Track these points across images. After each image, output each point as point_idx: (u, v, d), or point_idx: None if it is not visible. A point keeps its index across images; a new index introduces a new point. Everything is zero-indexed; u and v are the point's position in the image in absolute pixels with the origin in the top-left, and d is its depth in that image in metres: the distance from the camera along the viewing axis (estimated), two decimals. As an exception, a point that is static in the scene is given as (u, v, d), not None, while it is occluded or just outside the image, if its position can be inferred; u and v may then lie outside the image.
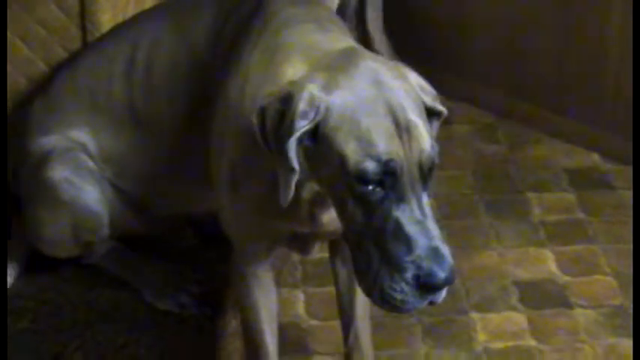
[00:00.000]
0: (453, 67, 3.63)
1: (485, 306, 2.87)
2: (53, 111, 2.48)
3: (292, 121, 1.82)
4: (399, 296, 1.83)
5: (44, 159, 2.45)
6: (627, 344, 2.70)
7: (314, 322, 2.84)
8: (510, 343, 2.76)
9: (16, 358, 2.53)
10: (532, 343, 2.77)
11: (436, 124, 1.96)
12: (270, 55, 2.04)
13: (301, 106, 1.81)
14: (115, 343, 2.54)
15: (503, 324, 2.82)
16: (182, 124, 2.36)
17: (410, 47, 3.64)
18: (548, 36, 3.48)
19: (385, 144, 1.80)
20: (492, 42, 3.59)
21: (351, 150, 1.80)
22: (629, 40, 3.25)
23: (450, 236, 3.04)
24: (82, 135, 2.48)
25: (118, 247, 2.59)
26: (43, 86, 2.56)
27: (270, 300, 2.30)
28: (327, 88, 1.84)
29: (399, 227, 1.82)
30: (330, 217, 2.05)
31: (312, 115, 1.82)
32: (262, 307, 2.28)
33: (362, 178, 1.80)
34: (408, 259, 1.81)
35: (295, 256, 2.88)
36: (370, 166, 1.79)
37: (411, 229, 1.81)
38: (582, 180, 3.35)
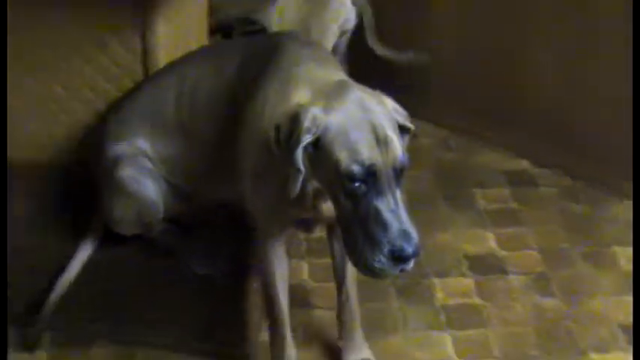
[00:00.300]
0: (419, 94, 3.60)
1: (443, 273, 2.92)
2: (123, 126, 2.51)
3: (299, 135, 1.91)
4: (378, 266, 1.92)
5: (116, 161, 2.48)
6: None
7: (315, 284, 2.85)
8: (461, 301, 2.81)
9: (88, 314, 2.65)
10: (478, 301, 2.82)
11: (406, 137, 2.03)
12: (284, 85, 2.11)
13: (306, 124, 1.90)
14: (166, 296, 2.63)
15: (456, 286, 2.87)
16: (217, 136, 2.39)
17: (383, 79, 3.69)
18: (487, 66, 3.48)
19: (368, 153, 1.89)
20: (449, 76, 3.58)
21: (342, 157, 1.89)
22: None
23: (416, 221, 3.09)
24: (143, 144, 2.50)
25: (169, 226, 2.62)
26: (115, 108, 2.59)
27: (283, 266, 2.33)
28: (326, 110, 1.93)
29: (378, 214, 1.90)
30: (327, 207, 2.11)
31: (314, 130, 1.91)
32: (277, 271, 2.32)
33: (350, 177, 1.89)
34: (385, 238, 1.90)
35: (301, 235, 2.90)
36: (357, 168, 1.88)
37: (387, 215, 1.90)
38: (517, 178, 3.39)
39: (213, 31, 2.98)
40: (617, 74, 3.14)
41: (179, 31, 2.65)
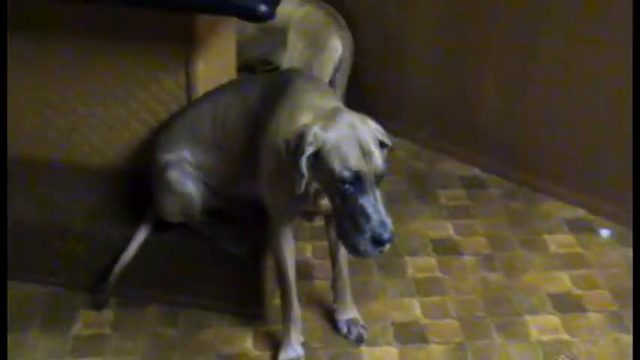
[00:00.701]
0: (395, 115, 3.60)
1: (413, 253, 2.91)
2: (171, 140, 2.50)
3: (303, 148, 1.94)
4: (362, 248, 1.96)
5: (165, 166, 2.47)
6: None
7: (316, 262, 2.85)
8: (427, 275, 2.81)
9: (143, 283, 2.64)
10: (439, 275, 2.81)
11: (385, 150, 2.03)
12: (292, 110, 2.11)
13: (309, 139, 1.93)
14: (203, 270, 2.61)
15: (423, 263, 2.86)
16: (242, 149, 2.37)
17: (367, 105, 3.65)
18: (449, 95, 3.44)
19: (355, 162, 1.91)
20: (421, 103, 3.54)
21: (336, 165, 1.92)
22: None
23: (392, 214, 3.08)
24: (186, 154, 2.47)
25: (205, 216, 2.57)
26: (165, 126, 2.57)
27: (291, 247, 2.33)
28: (324, 129, 1.95)
29: (362, 209, 1.93)
30: (324, 202, 2.12)
31: (314, 144, 1.94)
32: (287, 251, 2.32)
33: (342, 181, 1.92)
34: (368, 227, 1.92)
35: (305, 223, 2.83)
36: (347, 174, 1.91)
37: (369, 210, 1.92)
38: (470, 182, 3.35)
39: (239, 68, 2.97)
40: (550, 101, 3.14)
41: (214, 68, 2.61)
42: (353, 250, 2.00)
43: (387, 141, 2.03)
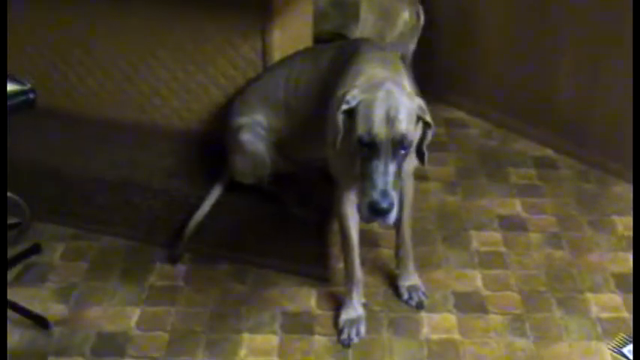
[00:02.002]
0: (468, 93, 3.66)
1: (479, 227, 2.95)
2: (245, 104, 2.58)
3: (341, 104, 2.02)
4: (363, 211, 2.00)
5: (239, 129, 2.55)
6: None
7: (381, 230, 2.88)
8: (491, 249, 2.83)
9: (215, 241, 2.76)
10: (504, 249, 2.84)
11: (428, 131, 2.08)
12: (353, 77, 2.16)
13: (347, 98, 2.01)
14: (272, 231, 2.72)
15: (488, 238, 2.89)
16: (312, 113, 2.44)
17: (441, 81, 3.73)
18: (522, 74, 3.44)
19: (376, 128, 1.95)
20: (494, 81, 3.56)
21: (360, 126, 1.98)
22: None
23: (461, 189, 3.19)
24: (259, 117, 2.55)
25: (275, 181, 2.65)
26: (240, 91, 2.64)
27: (354, 211, 2.33)
28: (363, 93, 2.02)
29: (370, 173, 1.96)
30: None
31: (351, 103, 2.00)
32: (350, 214, 2.36)
33: (360, 142, 1.97)
34: (371, 192, 1.95)
35: None
36: (365, 136, 1.96)
37: (375, 176, 1.95)
38: (542, 162, 3.35)
39: (314, 40, 3.05)
40: (623, 84, 3.13)
41: (290, 36, 2.70)
42: (358, 211, 2.06)
43: (428, 119, 2.06)
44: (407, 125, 1.97)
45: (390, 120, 1.96)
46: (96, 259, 2.81)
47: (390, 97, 1.99)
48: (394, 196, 1.95)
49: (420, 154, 2.16)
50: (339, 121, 2.03)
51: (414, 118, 2.02)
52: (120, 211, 2.88)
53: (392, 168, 1.96)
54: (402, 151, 1.98)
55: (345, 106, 2.01)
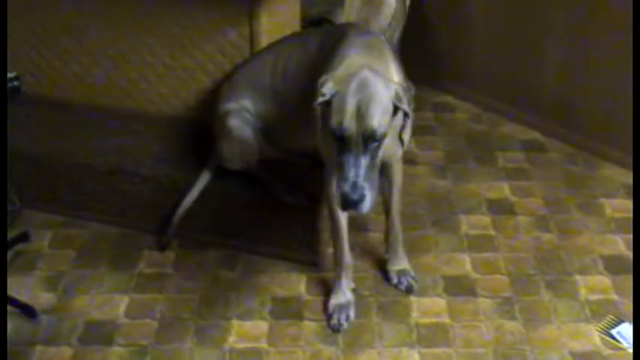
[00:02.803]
0: (457, 78, 3.68)
1: (467, 210, 2.95)
2: (233, 89, 2.57)
3: (317, 97, 2.01)
4: (338, 204, 1.99)
5: (226, 114, 2.53)
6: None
7: (371, 215, 2.78)
8: (480, 232, 2.83)
9: (204, 227, 2.74)
10: (492, 232, 2.83)
11: (407, 120, 2.04)
12: (337, 63, 2.14)
13: (323, 89, 2.00)
14: (261, 218, 2.70)
15: (477, 221, 2.88)
16: (301, 98, 2.41)
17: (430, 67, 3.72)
18: (511, 57, 3.45)
19: (346, 120, 1.92)
20: (482, 65, 3.56)
21: (332, 119, 1.96)
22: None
23: (450, 173, 3.17)
24: (246, 102, 2.53)
25: (263, 166, 2.65)
26: (228, 76, 2.63)
27: None
28: (337, 84, 1.99)
29: (341, 165, 1.95)
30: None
31: (326, 95, 1.98)
32: None
33: (332, 134, 1.96)
34: (342, 183, 1.94)
35: None
36: (336, 129, 1.94)
37: (347, 168, 1.94)
38: (530, 145, 3.35)
39: (303, 26, 3.02)
40: (611, 68, 3.13)
41: (278, 22, 2.69)
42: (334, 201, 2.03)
43: (405, 107, 2.02)
44: (379, 119, 1.95)
45: (361, 114, 1.94)
46: (84, 246, 2.80)
47: (363, 89, 1.96)
48: (366, 187, 1.95)
49: (400, 141, 2.14)
50: (317, 113, 2.02)
51: (390, 108, 1.99)
52: (108, 197, 2.87)
53: (364, 161, 1.95)
54: (374, 144, 1.96)
55: (321, 98, 2.00)
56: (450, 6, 3.61)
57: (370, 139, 1.94)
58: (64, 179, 2.90)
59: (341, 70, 2.05)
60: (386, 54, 2.23)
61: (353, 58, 2.11)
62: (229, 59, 2.67)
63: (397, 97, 2.00)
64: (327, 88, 2.00)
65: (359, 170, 1.94)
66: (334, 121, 1.96)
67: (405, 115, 2.04)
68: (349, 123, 1.94)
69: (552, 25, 3.26)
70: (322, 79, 2.06)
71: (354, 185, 1.93)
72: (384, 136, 1.97)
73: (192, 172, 2.72)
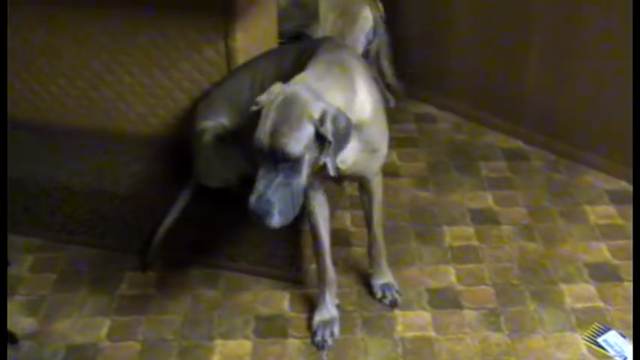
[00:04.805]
0: (438, 87, 3.68)
1: (451, 222, 2.94)
2: (209, 107, 2.54)
3: (254, 104, 1.97)
4: (253, 216, 1.95)
5: (203, 132, 2.50)
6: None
7: (355, 229, 2.88)
8: (464, 243, 2.82)
9: (185, 246, 2.73)
10: (476, 243, 2.82)
11: (329, 146, 1.91)
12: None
13: (258, 99, 1.97)
14: (241, 235, 2.65)
15: (461, 231, 2.88)
16: None
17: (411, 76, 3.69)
18: (493, 67, 3.44)
19: (261, 136, 1.89)
20: (463, 75, 3.57)
21: (255, 131, 1.92)
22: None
23: (432, 184, 3.16)
24: (224, 120, 2.51)
25: (243, 184, 2.48)
26: (205, 94, 2.61)
27: (324, 211, 2.35)
28: (269, 96, 1.94)
29: (256, 176, 1.92)
30: (341, 167, 2.08)
31: (258, 105, 1.95)
32: (319, 214, 2.34)
33: (253, 145, 1.92)
34: (251, 195, 1.92)
35: (347, 192, 2.97)
36: (254, 141, 1.91)
37: (257, 180, 1.92)
38: (512, 154, 3.36)
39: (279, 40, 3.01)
40: (592, 76, 3.13)
41: (254, 38, 2.67)
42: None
43: (328, 137, 1.91)
44: (292, 141, 1.88)
45: (275, 133, 1.89)
46: (65, 269, 2.77)
47: (284, 107, 1.90)
48: (273, 202, 1.91)
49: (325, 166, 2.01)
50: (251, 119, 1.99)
51: (309, 132, 1.90)
52: (88, 219, 2.83)
53: (275, 177, 1.91)
54: (288, 164, 1.91)
55: (254, 107, 1.98)
56: (431, 16, 3.61)
57: (282, 159, 1.90)
58: (43, 202, 2.86)
59: (279, 85, 2.00)
60: (351, 70, 2.11)
61: (300, 75, 2.04)
62: (207, 77, 2.65)
63: (321, 120, 1.90)
64: (262, 97, 1.97)
65: (268, 185, 1.91)
66: (255, 132, 1.93)
67: (329, 142, 1.93)
68: (264, 139, 1.90)
69: (533, 34, 3.26)
70: (269, 88, 2.01)
71: (259, 198, 1.91)
72: (299, 159, 1.91)
73: (173, 191, 2.69)
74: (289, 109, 1.90)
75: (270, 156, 1.90)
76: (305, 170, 1.94)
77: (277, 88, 1.97)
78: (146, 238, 2.72)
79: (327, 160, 1.96)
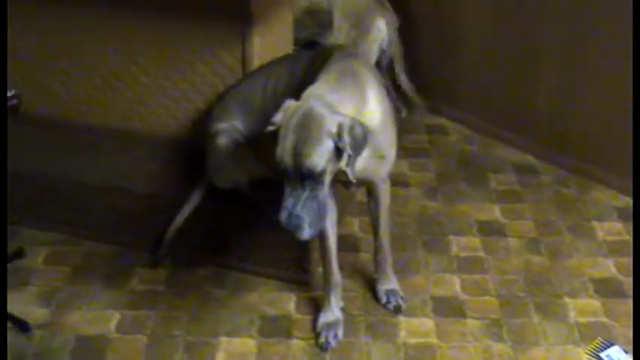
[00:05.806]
0: (449, 99, 3.69)
1: (458, 233, 2.94)
2: (224, 110, 2.54)
3: (270, 124, 2.03)
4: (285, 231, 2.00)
5: (216, 134, 2.51)
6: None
7: (362, 235, 2.89)
8: (470, 254, 2.82)
9: (195, 244, 2.76)
10: (482, 254, 2.83)
11: (349, 158, 1.97)
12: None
13: (274, 119, 2.02)
14: (250, 236, 2.67)
15: (467, 242, 2.88)
16: None
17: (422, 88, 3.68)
18: (504, 80, 3.45)
19: (284, 157, 1.94)
20: (474, 87, 3.57)
21: (276, 149, 1.97)
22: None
23: (441, 195, 3.17)
24: (237, 123, 2.52)
25: (254, 186, 2.60)
26: (220, 97, 2.61)
27: (332, 216, 2.36)
28: (286, 114, 1.99)
29: (284, 194, 1.97)
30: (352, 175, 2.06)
31: (275, 125, 2.00)
32: (327, 219, 2.28)
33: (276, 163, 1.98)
34: (281, 212, 1.97)
35: (355, 199, 2.99)
36: (277, 161, 1.96)
37: (285, 197, 1.97)
38: (522, 168, 3.37)
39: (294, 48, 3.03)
40: (603, 91, 3.13)
41: (270, 43, 2.68)
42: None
43: (344, 145, 1.96)
44: (315, 158, 1.94)
45: (297, 152, 1.94)
46: (79, 263, 2.80)
47: (303, 125, 1.95)
48: (303, 217, 1.96)
49: (344, 176, 2.06)
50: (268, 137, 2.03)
51: (329, 146, 1.95)
52: (103, 216, 2.86)
53: (302, 193, 1.96)
54: (312, 180, 1.96)
55: (270, 127, 2.02)
56: (443, 29, 3.63)
57: (308, 176, 1.95)
58: (60, 197, 2.90)
59: (294, 103, 2.03)
60: (363, 80, 2.15)
61: (314, 87, 2.08)
62: (222, 80, 2.66)
63: (338, 134, 1.95)
64: (277, 118, 2.01)
65: (296, 201, 1.96)
66: (276, 153, 1.97)
67: (347, 152, 1.98)
68: (287, 159, 1.95)
69: (545, 49, 3.27)
70: (283, 106, 2.05)
71: (290, 215, 1.96)
72: (322, 174, 1.96)
73: (185, 190, 2.71)
74: (308, 127, 1.94)
75: (295, 174, 1.94)
76: (327, 181, 2.00)
77: (292, 106, 2.00)
78: (158, 235, 2.73)
79: (347, 169, 2.01)
